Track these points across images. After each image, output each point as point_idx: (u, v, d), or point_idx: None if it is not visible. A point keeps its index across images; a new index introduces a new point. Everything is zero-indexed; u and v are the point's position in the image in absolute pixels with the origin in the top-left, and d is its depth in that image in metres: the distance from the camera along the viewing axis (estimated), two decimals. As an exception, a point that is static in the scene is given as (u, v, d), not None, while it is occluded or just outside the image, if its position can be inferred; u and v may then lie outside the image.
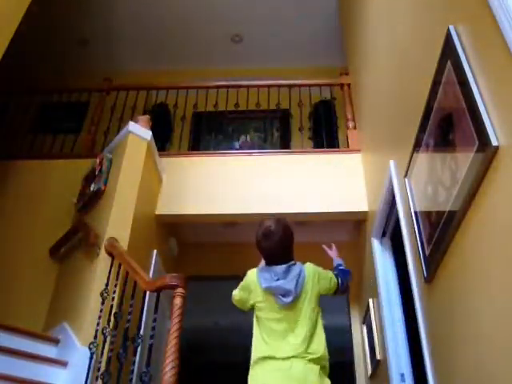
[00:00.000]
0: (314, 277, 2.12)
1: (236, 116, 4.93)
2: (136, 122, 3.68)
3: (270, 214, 3.86)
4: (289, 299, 1.99)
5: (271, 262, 2.15)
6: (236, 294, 2.22)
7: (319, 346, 1.98)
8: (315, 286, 2.10)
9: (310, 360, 1.90)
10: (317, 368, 1.89)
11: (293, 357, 1.89)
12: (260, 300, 2.07)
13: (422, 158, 2.16)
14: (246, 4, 5.33)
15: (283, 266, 2.10)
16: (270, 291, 2.04)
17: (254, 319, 2.12)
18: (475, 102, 1.56)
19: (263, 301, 2.06)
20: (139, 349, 2.42)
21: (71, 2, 5.35)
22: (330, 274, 2.21)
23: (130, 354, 2.43)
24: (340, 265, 2.35)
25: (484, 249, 1.56)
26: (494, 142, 1.44)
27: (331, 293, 2.18)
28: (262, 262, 2.23)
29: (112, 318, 2.60)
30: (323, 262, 2.39)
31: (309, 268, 2.16)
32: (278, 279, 2.05)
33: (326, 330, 2.13)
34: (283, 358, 1.89)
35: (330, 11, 5.35)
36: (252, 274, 2.17)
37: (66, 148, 4.50)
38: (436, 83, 1.94)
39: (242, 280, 2.29)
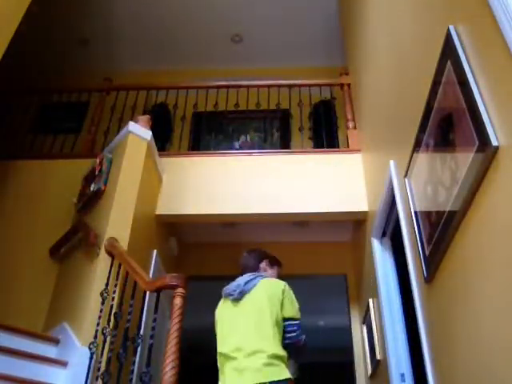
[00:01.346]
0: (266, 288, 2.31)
1: (236, 116, 4.93)
2: (136, 122, 3.68)
3: (270, 214, 3.90)
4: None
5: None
6: None
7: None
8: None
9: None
10: None
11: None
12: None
13: (422, 158, 2.16)
14: (245, 4, 5.33)
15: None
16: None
17: None
18: (475, 102, 1.55)
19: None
20: (139, 349, 2.42)
21: (71, 2, 5.35)
22: (291, 316, 2.25)
23: (130, 354, 2.43)
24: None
25: (484, 249, 1.56)
26: (494, 142, 1.44)
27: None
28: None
29: (112, 318, 2.60)
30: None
31: (264, 281, 2.38)
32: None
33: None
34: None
35: (330, 11, 5.35)
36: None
37: (66, 148, 4.50)
38: (436, 83, 1.94)
39: None
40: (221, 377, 2.19)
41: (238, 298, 2.30)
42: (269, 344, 2.05)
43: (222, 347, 2.26)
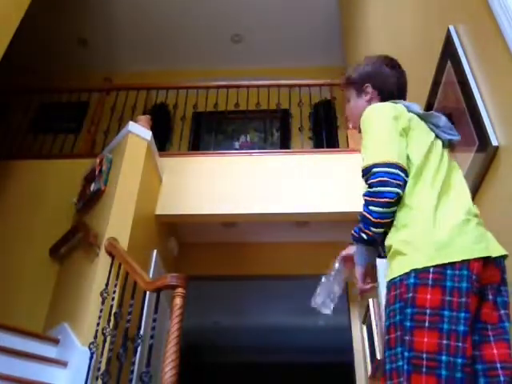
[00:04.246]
0: None
1: (236, 116, 4.93)
2: (136, 121, 3.68)
3: (270, 214, 3.90)
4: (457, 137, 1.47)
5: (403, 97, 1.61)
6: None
7: None
8: None
9: None
10: None
11: None
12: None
13: (422, 158, 2.16)
14: (245, 4, 5.33)
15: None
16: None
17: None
18: (475, 102, 1.56)
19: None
20: (139, 349, 2.42)
21: (71, 2, 5.35)
22: None
23: (130, 354, 2.43)
24: None
25: (484, 249, 1.56)
26: (494, 142, 1.44)
27: None
28: None
29: (112, 318, 2.60)
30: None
31: None
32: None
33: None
34: None
35: (330, 11, 5.35)
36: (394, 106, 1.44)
37: (66, 148, 4.49)
38: (436, 83, 1.94)
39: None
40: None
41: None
42: None
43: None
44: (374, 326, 3.39)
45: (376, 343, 3.32)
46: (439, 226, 1.21)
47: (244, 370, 7.28)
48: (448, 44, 1.79)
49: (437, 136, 1.42)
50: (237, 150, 5.23)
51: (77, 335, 2.70)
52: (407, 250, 1.23)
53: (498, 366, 1.12)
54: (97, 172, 3.45)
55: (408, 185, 1.29)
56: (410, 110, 1.44)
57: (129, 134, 3.55)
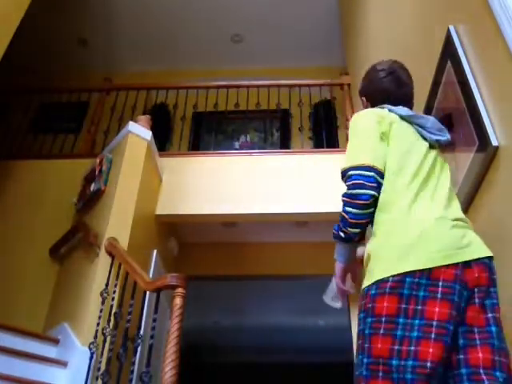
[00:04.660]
0: None
1: (236, 116, 4.93)
2: (136, 122, 3.68)
3: (270, 214, 3.90)
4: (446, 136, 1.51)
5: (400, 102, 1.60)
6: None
7: None
8: None
9: None
10: None
11: None
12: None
13: (422, 158, 2.16)
14: (246, 4, 5.33)
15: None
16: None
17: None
18: (475, 102, 1.56)
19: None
20: (139, 349, 2.42)
21: (71, 2, 5.35)
22: None
23: (130, 354, 2.43)
24: None
25: (484, 249, 1.56)
26: (494, 142, 1.44)
27: None
28: None
29: (112, 318, 2.60)
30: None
31: None
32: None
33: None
34: None
35: (330, 11, 5.34)
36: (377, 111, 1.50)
37: (66, 148, 4.49)
38: (436, 83, 1.94)
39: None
40: None
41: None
42: None
43: None
44: (374, 326, 3.38)
45: (376, 343, 3.31)
46: (405, 235, 1.24)
47: (244, 370, 7.27)
48: (448, 44, 1.79)
49: (424, 137, 1.45)
50: (237, 150, 5.23)
51: (77, 335, 2.70)
52: (373, 261, 1.28)
53: (481, 371, 1.13)
54: (97, 172, 3.45)
55: (383, 189, 1.33)
56: (394, 113, 1.47)
57: (129, 134, 3.55)
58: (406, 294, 1.16)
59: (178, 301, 2.19)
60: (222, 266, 4.49)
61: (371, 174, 1.32)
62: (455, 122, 1.76)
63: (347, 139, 4.81)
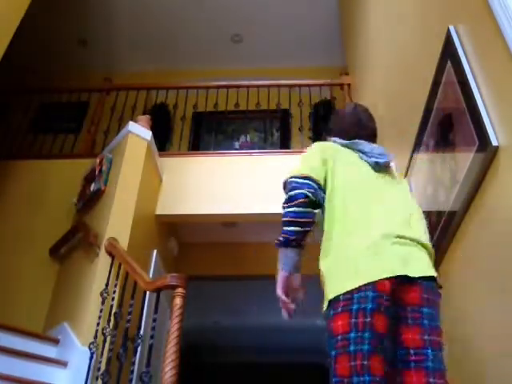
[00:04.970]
0: None
1: (236, 116, 4.93)
2: (136, 122, 3.68)
3: (270, 214, 3.89)
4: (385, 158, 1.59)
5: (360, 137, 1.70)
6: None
7: None
8: None
9: None
10: None
11: None
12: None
13: (422, 158, 2.16)
14: (246, 4, 5.33)
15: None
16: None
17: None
18: (475, 101, 1.56)
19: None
20: (139, 349, 2.42)
21: (71, 2, 5.35)
22: None
23: (130, 354, 2.43)
24: None
25: (484, 249, 1.56)
26: (494, 142, 1.44)
27: None
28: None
29: (112, 318, 2.59)
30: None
31: None
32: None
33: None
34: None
35: (330, 11, 5.34)
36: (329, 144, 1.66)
37: (66, 148, 4.49)
38: (436, 83, 1.94)
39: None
40: None
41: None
42: None
43: None
44: (374, 326, 3.38)
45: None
46: (347, 255, 1.31)
47: (244, 370, 7.27)
48: (448, 44, 1.79)
49: (366, 161, 1.56)
50: (237, 150, 5.23)
51: (77, 335, 2.70)
52: (325, 283, 1.32)
53: None
54: (97, 172, 3.45)
55: (325, 211, 1.44)
56: (338, 143, 1.63)
57: (129, 134, 3.55)
58: (355, 309, 1.20)
59: (177, 301, 2.19)
60: (222, 266, 4.49)
61: (307, 181, 1.44)
62: (455, 122, 1.76)
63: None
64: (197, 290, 3.79)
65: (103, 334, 2.56)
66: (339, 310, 1.23)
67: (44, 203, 3.72)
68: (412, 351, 1.19)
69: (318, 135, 4.98)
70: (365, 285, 1.21)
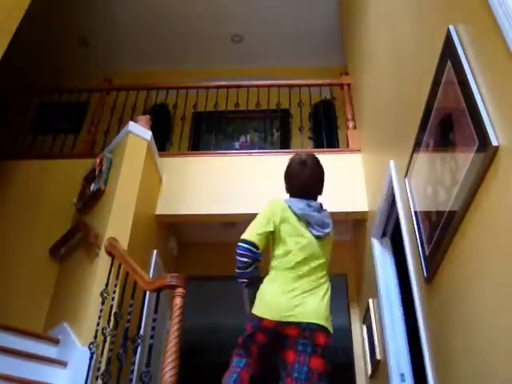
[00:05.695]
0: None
1: (236, 116, 4.93)
2: (136, 122, 3.68)
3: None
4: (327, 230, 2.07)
5: (303, 194, 2.18)
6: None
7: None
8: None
9: None
10: None
11: None
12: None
13: (422, 158, 2.16)
14: (245, 4, 5.33)
15: (317, 202, 2.19)
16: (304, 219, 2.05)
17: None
18: (475, 101, 1.56)
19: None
20: (139, 349, 2.42)
21: (71, 2, 5.35)
22: None
23: (130, 354, 2.43)
24: None
25: (484, 249, 1.56)
26: (494, 142, 1.44)
27: None
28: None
29: (112, 318, 2.60)
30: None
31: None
32: (313, 210, 2.10)
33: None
34: None
35: (330, 11, 5.35)
36: (278, 203, 2.13)
37: (66, 148, 4.49)
38: (436, 83, 1.94)
39: None
40: None
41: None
42: None
43: None
44: (373, 326, 3.39)
45: (376, 343, 3.32)
46: (263, 297, 1.95)
47: (244, 370, 7.26)
48: (448, 44, 1.79)
49: (309, 231, 2.03)
50: (237, 149, 5.23)
51: (77, 335, 2.70)
52: None
53: None
54: (97, 172, 3.45)
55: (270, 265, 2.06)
56: (291, 209, 2.06)
57: (129, 134, 3.55)
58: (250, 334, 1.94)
59: (177, 301, 2.19)
60: (222, 266, 4.46)
61: (247, 245, 2.00)
62: (455, 122, 1.76)
63: (347, 139, 4.81)
64: (197, 289, 3.79)
65: (103, 333, 2.56)
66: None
67: (44, 203, 3.72)
68: (289, 367, 1.90)
69: (317, 135, 4.99)
70: (258, 316, 1.96)
